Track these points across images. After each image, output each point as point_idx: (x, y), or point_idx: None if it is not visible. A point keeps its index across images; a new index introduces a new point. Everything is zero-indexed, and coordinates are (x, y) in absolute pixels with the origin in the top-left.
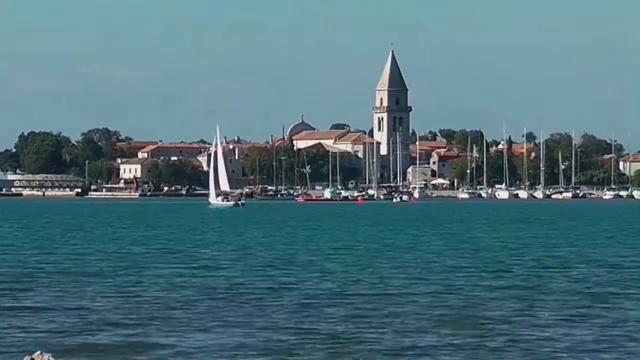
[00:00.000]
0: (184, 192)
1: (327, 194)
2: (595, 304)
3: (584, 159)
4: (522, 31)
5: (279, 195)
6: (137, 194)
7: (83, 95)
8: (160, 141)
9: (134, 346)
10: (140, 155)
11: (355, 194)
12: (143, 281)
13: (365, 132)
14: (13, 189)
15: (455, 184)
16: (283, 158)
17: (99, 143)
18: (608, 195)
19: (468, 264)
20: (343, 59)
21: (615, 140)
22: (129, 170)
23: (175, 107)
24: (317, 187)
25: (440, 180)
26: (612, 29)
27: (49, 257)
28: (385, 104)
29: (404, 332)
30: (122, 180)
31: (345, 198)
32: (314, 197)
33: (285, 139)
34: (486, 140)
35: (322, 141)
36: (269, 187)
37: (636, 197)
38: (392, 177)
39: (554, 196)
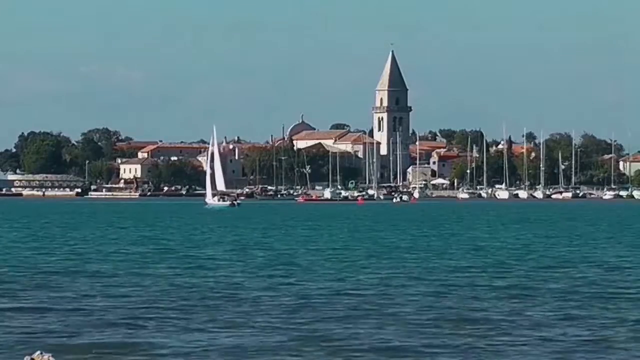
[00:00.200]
0: (184, 192)
1: (327, 194)
2: (594, 304)
3: (584, 159)
4: (522, 31)
5: (279, 195)
6: (137, 194)
7: (83, 95)
8: (160, 141)
9: (133, 346)
10: (140, 155)
11: (355, 194)
12: (142, 281)
13: (365, 132)
14: (13, 189)
15: (455, 184)
16: (283, 158)
17: (99, 143)
18: (608, 195)
19: (468, 264)
20: (343, 59)
21: (615, 140)
22: (129, 170)
23: (175, 107)
24: (317, 187)
25: (440, 180)
26: (612, 29)
27: (48, 257)
28: (385, 104)
29: (402, 333)
30: (122, 180)
31: (345, 198)
32: (314, 197)
33: (285, 139)
34: (486, 140)
35: (322, 141)
36: (269, 187)
37: (636, 197)
38: (392, 177)
39: (554, 196)
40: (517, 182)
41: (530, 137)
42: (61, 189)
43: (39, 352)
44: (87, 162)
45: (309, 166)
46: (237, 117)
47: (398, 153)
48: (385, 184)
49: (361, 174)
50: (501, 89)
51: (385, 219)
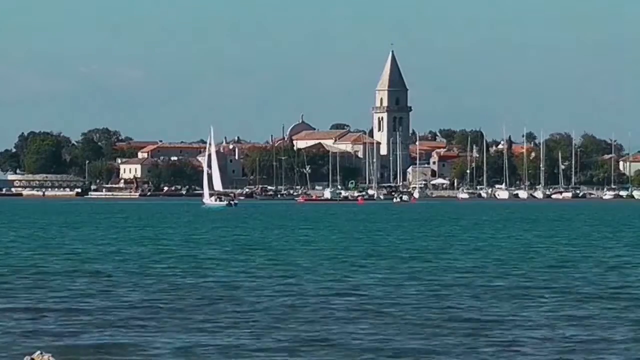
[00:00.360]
0: (184, 192)
1: (327, 194)
2: (593, 304)
3: (584, 159)
4: (522, 31)
5: (279, 195)
6: (137, 194)
7: (83, 95)
8: (160, 141)
9: (133, 346)
10: (140, 155)
11: (355, 194)
12: (142, 281)
13: (365, 132)
14: (13, 189)
15: (455, 184)
16: (283, 158)
17: (99, 143)
18: (608, 195)
19: (467, 264)
20: (343, 59)
21: (615, 140)
22: (129, 170)
23: (175, 107)
24: (317, 187)
25: (440, 180)
26: (612, 29)
27: (47, 257)
28: (385, 104)
29: (401, 333)
30: (122, 180)
31: (345, 198)
32: (314, 197)
33: (285, 139)
34: (486, 140)
35: (322, 141)
36: (269, 187)
37: (636, 197)
38: (392, 177)
39: (554, 196)
40: (517, 182)
41: (530, 137)
42: (61, 189)
43: (39, 352)
44: (87, 162)
45: (309, 166)
46: (237, 117)
47: (398, 153)
48: (385, 184)
49: (361, 174)
50: (501, 89)
51: (385, 219)
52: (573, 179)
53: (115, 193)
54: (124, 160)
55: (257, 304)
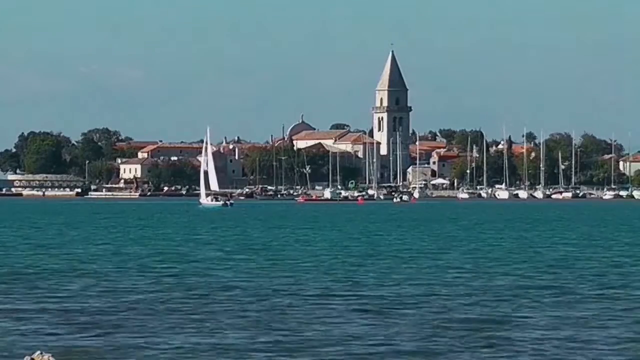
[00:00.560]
0: (184, 192)
1: (327, 194)
2: (593, 305)
3: (584, 159)
4: (522, 31)
5: (279, 195)
6: (137, 194)
7: (83, 95)
8: (160, 141)
9: (133, 346)
10: (140, 155)
11: (355, 194)
12: (141, 281)
13: (365, 132)
14: (13, 189)
15: (455, 184)
16: (283, 158)
17: (99, 143)
18: (608, 195)
19: (467, 264)
20: (343, 59)
21: (615, 140)
22: (129, 170)
23: (175, 107)
24: (317, 187)
25: (440, 180)
26: (612, 29)
27: (46, 258)
28: (385, 104)
29: (400, 334)
30: (122, 180)
31: (345, 198)
32: (314, 197)
33: (285, 139)
34: (486, 140)
35: (322, 141)
36: (269, 187)
37: (636, 197)
38: (392, 177)
39: (554, 196)
40: (517, 182)
41: (530, 137)
42: (61, 189)
43: (39, 352)
44: (87, 162)
45: (309, 166)
46: (237, 117)
47: (398, 153)
48: (385, 184)
49: (361, 174)
50: (501, 89)
51: (385, 219)
52: (573, 179)
53: (115, 193)
54: (124, 160)
55: (254, 304)
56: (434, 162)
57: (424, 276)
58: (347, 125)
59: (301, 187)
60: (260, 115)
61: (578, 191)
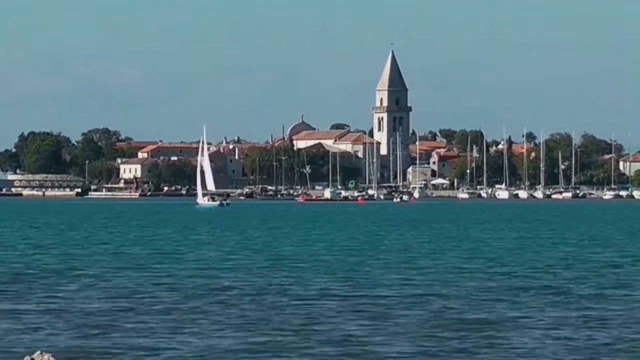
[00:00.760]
0: (183, 192)
1: (327, 194)
2: (590, 305)
3: (584, 159)
4: (522, 31)
5: (279, 195)
6: (137, 194)
7: (83, 95)
8: (160, 141)
9: (133, 347)
10: (140, 155)
11: (355, 194)
12: (140, 282)
13: (365, 132)
14: (13, 189)
15: (455, 184)
16: (283, 158)
17: (99, 143)
18: (608, 195)
19: (467, 264)
20: (343, 59)
21: (615, 140)
22: (129, 170)
23: (175, 107)
24: (317, 187)
25: (440, 180)
26: (612, 29)
27: (46, 258)
28: (385, 104)
29: (399, 334)
30: (122, 180)
31: (346, 198)
32: (314, 197)
33: (285, 139)
34: (486, 140)
35: (322, 141)
36: (269, 187)
37: (636, 197)
38: (392, 177)
39: (554, 196)
40: (517, 182)
41: (530, 137)
42: (61, 189)
43: (39, 352)
44: (87, 162)
45: (309, 166)
46: (237, 117)
47: (398, 153)
48: (385, 184)
49: (361, 174)
50: (501, 89)
51: (385, 219)
52: (573, 179)
53: (115, 193)
54: (124, 160)
55: (254, 304)
56: (434, 162)
57: (424, 276)
58: (347, 125)
59: (301, 187)
60: (260, 115)
61: (578, 191)
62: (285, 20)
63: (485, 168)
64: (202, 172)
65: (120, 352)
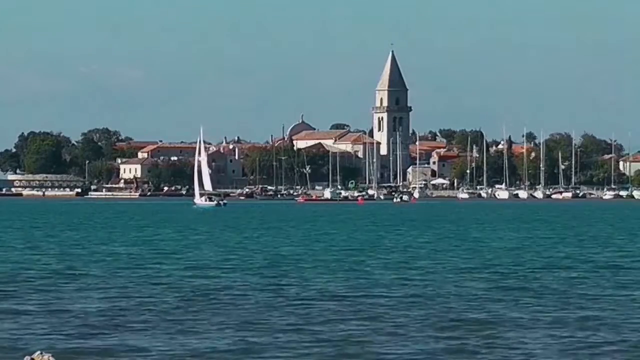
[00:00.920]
0: (184, 192)
1: (327, 194)
2: (590, 305)
3: (584, 159)
4: (522, 31)
5: (279, 196)
6: (137, 194)
7: (83, 95)
8: (160, 141)
9: (132, 347)
10: (140, 155)
11: (356, 194)
12: (140, 282)
13: (365, 132)
14: (13, 189)
15: (455, 184)
16: (283, 158)
17: (99, 143)
18: (608, 195)
19: (467, 264)
20: (343, 59)
21: (615, 140)
22: (129, 170)
23: (175, 107)
24: (317, 187)
25: (440, 180)
26: (612, 29)
27: (45, 258)
28: (385, 104)
29: (398, 334)
30: (122, 180)
31: (346, 198)
32: (314, 197)
33: (285, 139)
34: (486, 140)
35: (322, 141)
36: (269, 187)
37: (636, 197)
38: (392, 177)
39: (554, 196)
40: (517, 182)
41: (530, 137)
42: (61, 189)
43: (39, 352)
44: (87, 162)
45: (309, 166)
46: (237, 117)
47: (398, 153)
48: (385, 184)
49: (361, 174)
50: (501, 89)
51: (385, 219)
52: (573, 179)
53: (115, 193)
54: (124, 160)
55: (253, 304)
56: (434, 162)
57: (424, 276)
58: (347, 125)
59: (301, 187)
60: (260, 115)
61: (578, 191)
62: (285, 20)
63: (485, 168)
64: (200, 172)
65: (120, 352)
